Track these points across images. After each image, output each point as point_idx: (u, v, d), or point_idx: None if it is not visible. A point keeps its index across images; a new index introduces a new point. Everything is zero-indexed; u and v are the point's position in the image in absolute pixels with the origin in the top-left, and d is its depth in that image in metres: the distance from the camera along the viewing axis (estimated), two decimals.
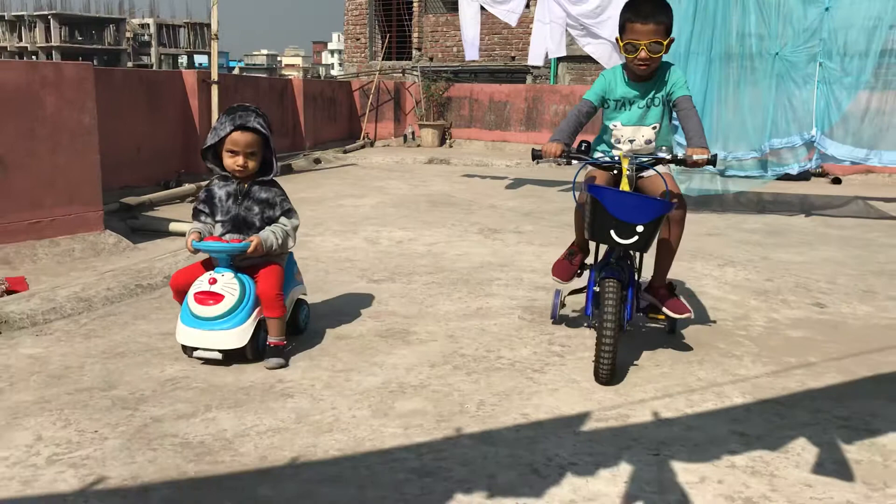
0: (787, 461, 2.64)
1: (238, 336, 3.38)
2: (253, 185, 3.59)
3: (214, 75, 9.26)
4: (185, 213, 7.35)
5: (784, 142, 7.52)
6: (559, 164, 3.32)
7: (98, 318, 4.09)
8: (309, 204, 8.06)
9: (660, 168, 3.53)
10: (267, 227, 3.56)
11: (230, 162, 3.53)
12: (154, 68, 79.19)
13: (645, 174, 3.60)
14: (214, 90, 9.27)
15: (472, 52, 9.23)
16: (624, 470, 2.54)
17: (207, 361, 3.44)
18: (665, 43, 3.43)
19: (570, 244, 3.99)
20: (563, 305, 4.09)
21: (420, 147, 15.21)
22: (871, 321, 4.30)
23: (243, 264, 3.51)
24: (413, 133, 15.82)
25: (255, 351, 3.45)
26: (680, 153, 3.46)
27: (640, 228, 3.22)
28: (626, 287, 3.40)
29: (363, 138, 15.23)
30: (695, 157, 3.34)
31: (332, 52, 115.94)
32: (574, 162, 3.55)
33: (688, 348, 3.77)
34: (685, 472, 2.54)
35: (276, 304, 3.47)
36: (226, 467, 2.52)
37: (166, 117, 9.18)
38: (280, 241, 3.55)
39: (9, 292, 4.41)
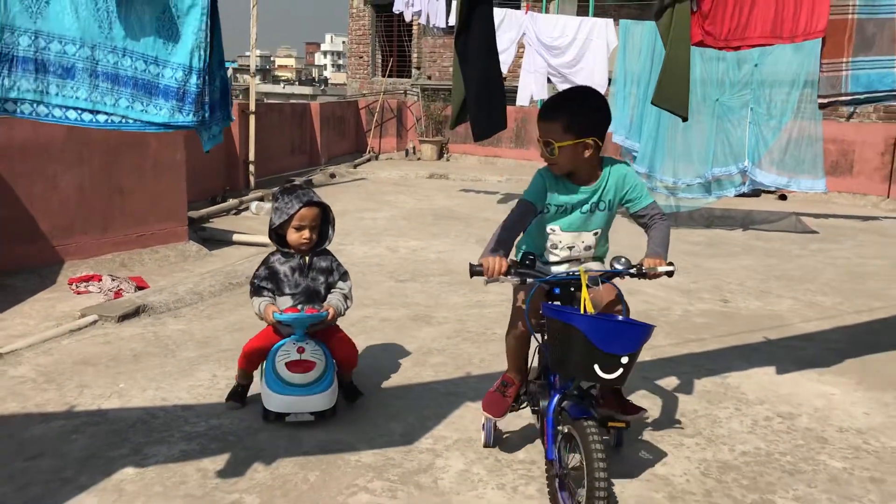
0: (668, 390, 4.39)
1: (329, 397, 3.72)
2: (313, 257, 3.85)
3: (252, 106, 11.00)
4: (233, 223, 9.08)
5: (723, 170, 9.29)
6: (501, 283, 3.01)
7: (211, 306, 5.79)
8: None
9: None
10: (331, 296, 3.85)
11: (296, 237, 3.72)
12: None
13: (592, 286, 3.18)
14: (252, 118, 11.00)
15: None
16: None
17: (295, 424, 3.74)
18: (557, 144, 3.03)
19: (503, 374, 3.59)
20: (495, 429, 3.65)
21: (420, 160, 16.95)
22: (756, 312, 6.05)
23: (311, 330, 3.78)
24: (414, 148, 17.57)
25: (333, 408, 3.80)
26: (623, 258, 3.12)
27: (624, 360, 2.74)
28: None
29: (369, 152, 16.96)
30: (658, 269, 3.02)
31: (325, 53, 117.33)
32: (529, 280, 3.03)
33: None
34: None
35: (355, 362, 4.02)
36: None
37: None
38: (345, 307, 3.90)
39: (138, 288, 6.12)
